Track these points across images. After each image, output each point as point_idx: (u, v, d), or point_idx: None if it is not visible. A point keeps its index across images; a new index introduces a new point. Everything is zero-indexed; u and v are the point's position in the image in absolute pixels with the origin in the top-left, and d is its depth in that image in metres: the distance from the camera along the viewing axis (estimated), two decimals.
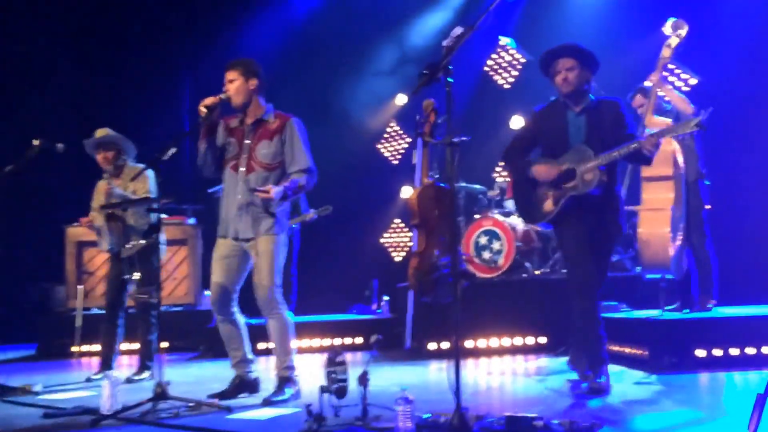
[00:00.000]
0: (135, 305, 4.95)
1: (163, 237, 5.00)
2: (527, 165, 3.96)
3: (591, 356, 3.75)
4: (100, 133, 4.93)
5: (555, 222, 3.92)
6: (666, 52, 4.69)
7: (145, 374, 4.78)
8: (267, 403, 3.68)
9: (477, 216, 6.25)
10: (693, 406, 3.43)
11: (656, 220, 4.54)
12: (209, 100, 3.79)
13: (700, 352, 4.40)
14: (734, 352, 4.38)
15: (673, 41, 4.66)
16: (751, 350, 4.37)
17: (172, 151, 3.64)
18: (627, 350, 4.65)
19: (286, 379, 3.83)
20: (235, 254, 3.90)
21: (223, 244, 3.93)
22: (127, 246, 4.84)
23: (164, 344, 6.04)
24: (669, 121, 4.78)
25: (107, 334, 4.96)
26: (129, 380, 4.64)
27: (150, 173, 4.86)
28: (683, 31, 4.65)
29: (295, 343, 3.92)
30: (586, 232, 3.80)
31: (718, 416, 3.20)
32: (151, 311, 4.84)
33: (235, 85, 3.86)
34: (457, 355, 2.82)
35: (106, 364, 4.89)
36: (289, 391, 3.80)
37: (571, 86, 3.84)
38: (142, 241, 4.80)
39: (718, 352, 4.39)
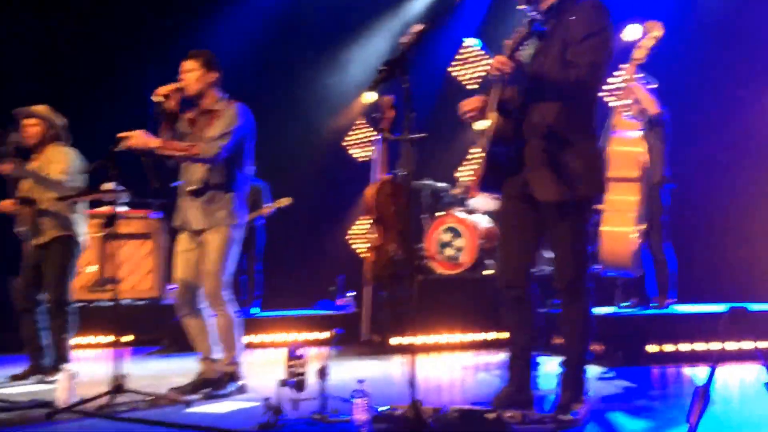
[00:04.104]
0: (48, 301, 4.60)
1: (82, 228, 4.60)
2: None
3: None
4: (37, 106, 4.61)
5: (498, 192, 3.06)
6: (640, 53, 4.61)
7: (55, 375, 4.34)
8: (208, 397, 3.68)
9: (440, 213, 6.32)
10: (641, 399, 3.53)
11: (620, 220, 4.55)
12: (164, 89, 3.76)
13: (652, 348, 4.53)
14: (684, 347, 4.52)
15: (648, 42, 4.60)
16: (700, 346, 4.51)
17: None
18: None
19: (230, 375, 3.82)
20: (193, 248, 3.88)
21: (182, 238, 3.92)
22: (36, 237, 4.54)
23: (128, 338, 6.03)
24: (639, 124, 4.82)
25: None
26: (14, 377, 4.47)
27: (72, 154, 4.53)
28: (658, 33, 4.59)
29: (242, 340, 3.90)
30: (511, 211, 3.01)
31: (663, 409, 3.31)
32: (64, 308, 4.53)
33: (194, 74, 3.81)
34: (412, 348, 2.86)
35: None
36: (231, 387, 3.79)
37: None
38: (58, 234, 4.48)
39: (669, 348, 4.53)
